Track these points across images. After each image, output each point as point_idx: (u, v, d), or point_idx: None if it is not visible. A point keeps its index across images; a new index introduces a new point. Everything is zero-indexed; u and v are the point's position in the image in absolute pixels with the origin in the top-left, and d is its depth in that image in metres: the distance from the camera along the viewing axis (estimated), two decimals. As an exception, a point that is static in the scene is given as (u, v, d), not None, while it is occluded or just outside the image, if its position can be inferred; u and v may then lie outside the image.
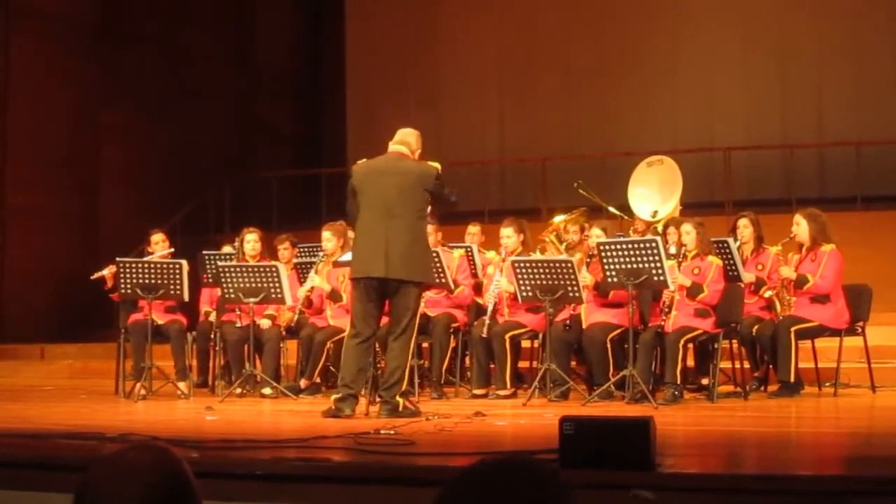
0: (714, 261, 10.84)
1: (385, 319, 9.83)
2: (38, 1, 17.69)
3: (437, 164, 9.69)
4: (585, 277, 10.99)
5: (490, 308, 11.56)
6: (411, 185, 9.46)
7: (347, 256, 10.39)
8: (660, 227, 11.94)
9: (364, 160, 9.89)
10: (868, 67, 18.07)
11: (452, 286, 11.62)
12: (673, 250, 10.93)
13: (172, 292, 11.82)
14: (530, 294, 10.83)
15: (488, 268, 12.11)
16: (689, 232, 10.90)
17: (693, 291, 10.64)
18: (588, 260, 11.30)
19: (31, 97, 17.45)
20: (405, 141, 9.76)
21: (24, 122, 17.32)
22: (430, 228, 11.83)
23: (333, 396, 9.57)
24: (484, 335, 11.41)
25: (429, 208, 9.61)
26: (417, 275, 9.45)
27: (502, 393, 11.21)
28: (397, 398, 9.33)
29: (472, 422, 8.97)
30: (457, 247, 12.39)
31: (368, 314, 9.50)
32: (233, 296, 11.75)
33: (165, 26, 19.43)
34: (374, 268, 9.37)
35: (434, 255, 11.32)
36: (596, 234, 11.27)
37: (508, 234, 11.68)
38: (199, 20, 19.95)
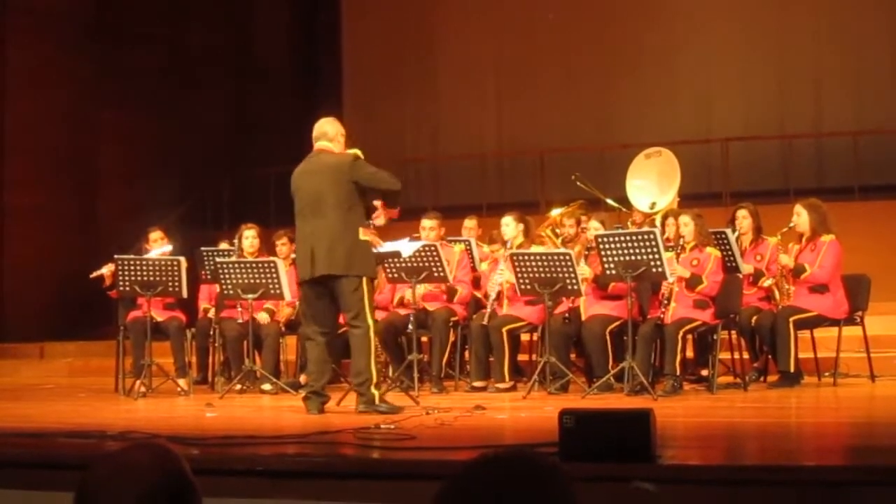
0: (713, 252, 10.84)
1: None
2: (36, -1, 17.69)
3: (354, 151, 9.46)
4: (584, 270, 10.99)
5: (492, 297, 11.57)
6: (330, 181, 9.28)
7: None
8: (658, 219, 11.93)
9: (301, 163, 9.77)
10: (865, 57, 18.07)
11: (451, 280, 11.62)
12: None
13: (171, 289, 11.82)
14: (529, 287, 10.84)
15: (486, 262, 12.12)
16: (687, 223, 10.90)
17: (692, 283, 10.64)
18: (586, 252, 11.30)
19: (28, 95, 17.43)
20: (322, 133, 9.59)
21: (22, 120, 17.31)
22: (434, 223, 11.87)
23: (301, 396, 9.62)
24: (484, 323, 11.42)
25: (359, 199, 9.33)
26: (341, 267, 9.19)
27: (501, 386, 11.21)
28: (372, 390, 9.17)
29: (472, 415, 8.97)
30: (457, 241, 12.39)
31: (317, 313, 9.40)
32: (231, 292, 11.76)
33: (163, 24, 19.41)
34: (304, 270, 9.34)
35: (432, 248, 11.34)
36: (594, 227, 11.27)
37: (507, 223, 11.66)
38: (197, 18, 19.95)
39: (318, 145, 9.60)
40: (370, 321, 9.24)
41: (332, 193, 9.26)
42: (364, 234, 9.32)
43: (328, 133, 9.57)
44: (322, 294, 9.33)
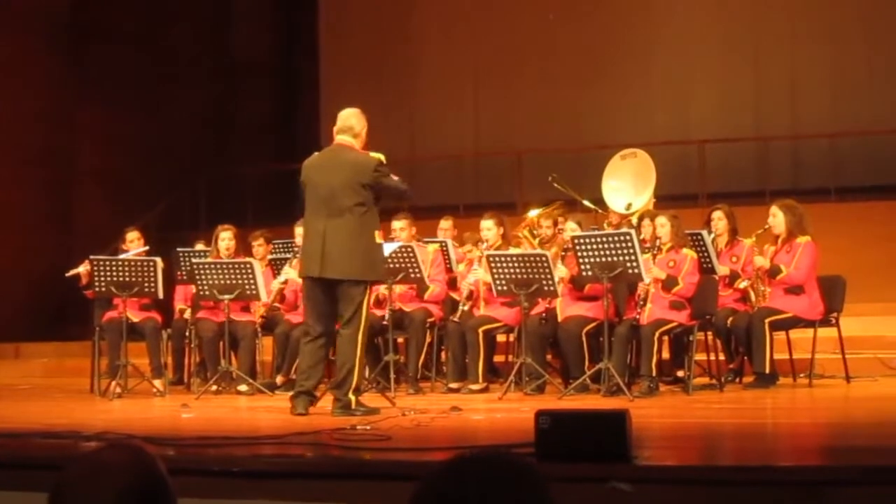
0: (689, 253, 10.87)
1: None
2: (10, -4, 17.59)
3: (378, 155, 9.35)
4: (561, 270, 11.00)
5: (465, 294, 11.58)
6: (348, 181, 9.16)
7: None
8: (634, 220, 11.95)
9: (316, 154, 9.70)
10: (841, 59, 18.12)
11: (427, 282, 11.62)
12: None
13: (147, 290, 11.79)
14: (505, 288, 10.85)
15: (463, 264, 12.13)
16: (663, 224, 10.92)
17: (668, 284, 10.66)
18: (563, 253, 11.31)
19: (3, 93, 17.33)
20: (347, 126, 9.45)
21: (-2, 118, 17.23)
22: (404, 223, 11.85)
23: (290, 395, 9.57)
24: (455, 320, 11.42)
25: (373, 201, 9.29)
26: (356, 273, 9.13)
27: (474, 387, 11.20)
28: (349, 395, 9.09)
29: (448, 416, 8.98)
30: (431, 241, 12.39)
31: (318, 312, 9.29)
32: (207, 293, 11.74)
33: (140, 22, 19.33)
34: (312, 267, 9.20)
35: (408, 249, 11.34)
36: (571, 228, 11.28)
37: (489, 227, 11.66)
38: (175, 16, 19.87)
39: (339, 139, 9.45)
40: (363, 322, 9.16)
41: (351, 194, 9.15)
42: (378, 238, 9.35)
43: (354, 128, 9.46)
44: (329, 293, 9.23)
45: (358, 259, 9.14)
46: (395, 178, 9.41)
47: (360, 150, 9.44)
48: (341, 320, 9.19)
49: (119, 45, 18.91)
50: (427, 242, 12.30)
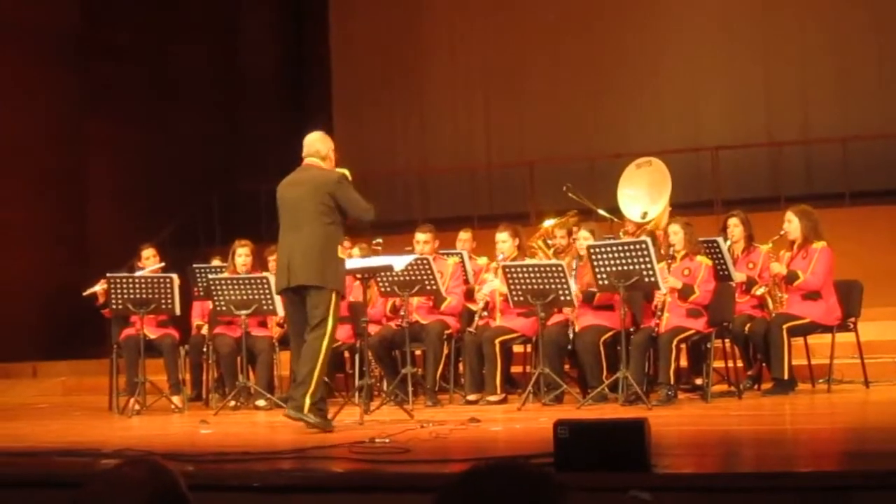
0: (703, 261, 10.84)
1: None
2: (20, 13, 17.59)
3: (342, 171, 9.49)
4: (571, 287, 10.94)
5: (480, 305, 11.58)
6: (311, 195, 9.30)
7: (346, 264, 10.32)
8: (653, 227, 11.92)
9: (287, 177, 9.76)
10: (851, 63, 18.10)
11: (444, 294, 11.62)
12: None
13: (164, 306, 11.81)
14: (522, 298, 10.84)
15: (483, 274, 12.12)
16: (676, 232, 10.90)
17: (685, 293, 10.64)
18: (574, 264, 11.30)
19: (15, 111, 17.36)
20: (314, 150, 9.63)
21: (9, 136, 17.23)
22: (427, 236, 11.86)
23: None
24: (472, 330, 11.43)
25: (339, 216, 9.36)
26: (319, 279, 9.18)
27: (492, 398, 11.19)
28: (305, 399, 9.05)
29: (466, 428, 8.98)
30: (450, 254, 12.39)
31: (298, 329, 9.38)
32: (224, 308, 11.75)
33: (150, 38, 19.38)
34: (280, 281, 9.40)
35: (424, 262, 11.34)
36: (584, 237, 11.26)
37: (504, 239, 11.64)
38: (184, 31, 19.92)
39: (307, 161, 9.64)
40: (329, 329, 9.17)
41: (314, 206, 9.28)
42: (341, 253, 9.38)
43: (320, 151, 9.62)
44: (299, 304, 9.32)
45: (321, 266, 9.21)
46: (358, 196, 9.46)
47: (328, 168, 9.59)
48: (308, 326, 9.21)
49: (129, 61, 18.96)
50: (447, 255, 12.29)
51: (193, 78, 20.06)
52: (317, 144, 9.65)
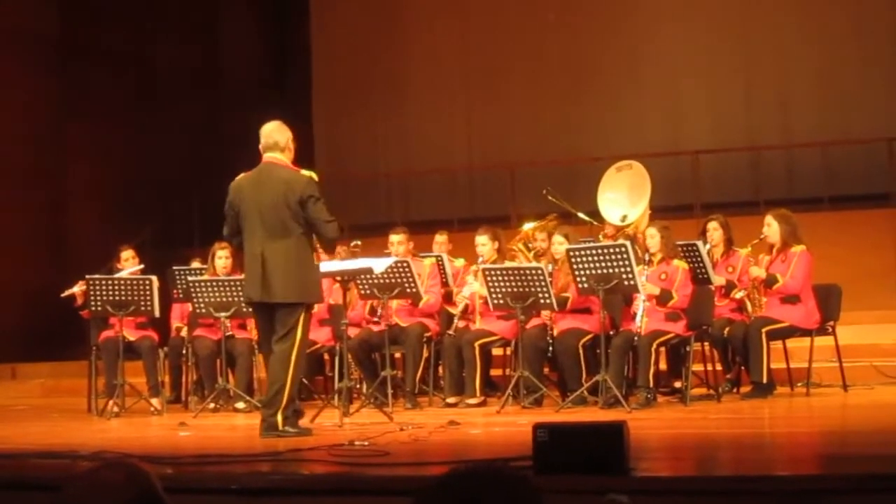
0: (680, 265, 10.85)
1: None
2: (-1, 16, 17.59)
3: (310, 173, 9.15)
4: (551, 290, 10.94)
5: (460, 308, 11.59)
6: (283, 199, 8.92)
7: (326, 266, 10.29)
8: (633, 230, 11.94)
9: (242, 174, 9.39)
10: (832, 68, 18.13)
11: (422, 294, 11.62)
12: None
13: (143, 308, 11.78)
14: (502, 301, 10.84)
15: (467, 276, 12.13)
16: (653, 236, 10.91)
17: (663, 298, 10.64)
18: (551, 267, 11.31)
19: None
20: (272, 142, 9.20)
21: (-11, 138, 17.22)
22: (402, 237, 11.85)
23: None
24: (451, 333, 11.43)
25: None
26: (293, 296, 8.94)
27: (472, 401, 11.19)
28: (277, 416, 8.84)
29: (446, 431, 8.98)
30: (427, 256, 12.39)
31: (268, 337, 9.10)
32: (204, 310, 11.73)
33: (131, 39, 19.34)
34: (253, 292, 9.03)
35: (404, 264, 11.33)
36: (558, 241, 11.26)
37: (483, 242, 11.64)
38: (165, 33, 19.89)
39: (268, 156, 9.22)
40: (298, 340, 8.93)
41: (285, 213, 8.93)
42: (316, 260, 9.21)
43: (279, 142, 9.20)
44: (270, 315, 9.06)
45: (295, 281, 8.95)
46: (324, 209, 9.00)
47: (291, 164, 9.22)
48: (278, 335, 8.96)
49: (108, 62, 18.91)
50: (424, 257, 12.29)
51: (173, 79, 20.01)
52: (275, 135, 9.25)
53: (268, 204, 9.00)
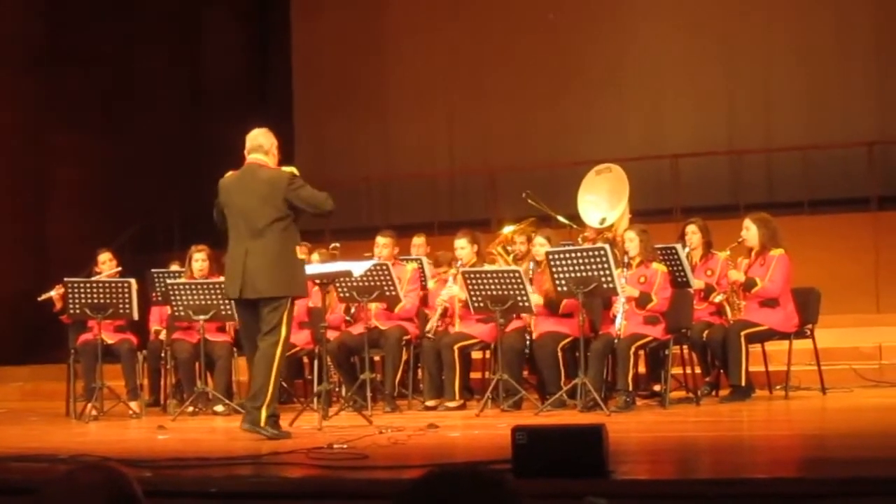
0: (659, 268, 10.86)
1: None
2: (-20, 21, 17.55)
3: (291, 169, 9.27)
4: (535, 298, 10.92)
5: (438, 311, 11.59)
6: (265, 198, 9.07)
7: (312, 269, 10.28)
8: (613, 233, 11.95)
9: (230, 173, 9.50)
10: (814, 73, 18.17)
11: (402, 298, 11.62)
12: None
13: (122, 311, 11.76)
14: (481, 304, 10.85)
15: (432, 281, 12.13)
16: (632, 239, 10.93)
17: (642, 301, 10.66)
18: (531, 270, 11.31)
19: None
20: (257, 145, 9.36)
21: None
22: (387, 240, 11.85)
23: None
24: (430, 336, 11.43)
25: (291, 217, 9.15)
26: (275, 290, 9.02)
27: (451, 404, 11.19)
28: (262, 411, 8.90)
29: (425, 434, 8.98)
30: (409, 259, 12.40)
31: (249, 335, 9.22)
32: (182, 314, 11.71)
33: (112, 46, 19.30)
34: (233, 289, 9.12)
35: (384, 267, 11.33)
36: (540, 243, 11.28)
37: (462, 246, 11.64)
38: (145, 38, 19.86)
39: (251, 158, 9.35)
40: (283, 336, 9.02)
41: (269, 211, 9.05)
42: (300, 253, 9.26)
43: (263, 146, 9.35)
44: (253, 313, 9.14)
45: (278, 276, 9.03)
46: (312, 189, 9.22)
47: (274, 166, 9.34)
48: (263, 331, 9.04)
49: (90, 67, 18.87)
50: (406, 261, 12.30)
51: (154, 84, 19.98)
52: (260, 139, 9.39)
53: (252, 206, 9.12)
